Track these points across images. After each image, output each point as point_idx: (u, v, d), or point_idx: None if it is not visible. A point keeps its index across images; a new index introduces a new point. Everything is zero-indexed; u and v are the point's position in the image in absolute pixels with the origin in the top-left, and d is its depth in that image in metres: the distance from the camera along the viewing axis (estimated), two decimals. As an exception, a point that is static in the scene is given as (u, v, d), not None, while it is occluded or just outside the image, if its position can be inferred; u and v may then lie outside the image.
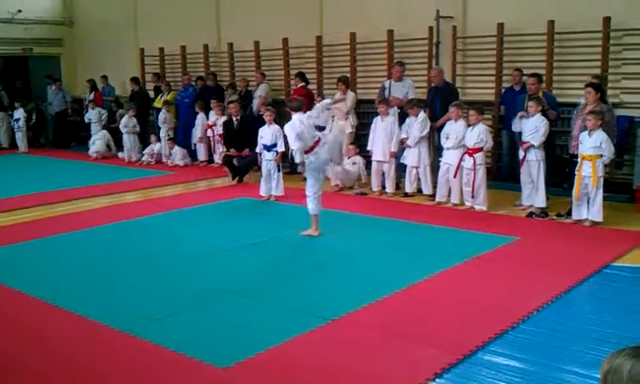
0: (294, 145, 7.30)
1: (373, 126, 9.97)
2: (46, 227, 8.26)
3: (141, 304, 5.41)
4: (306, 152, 7.36)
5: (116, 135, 14.86)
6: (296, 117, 7.42)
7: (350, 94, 11.16)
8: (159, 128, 13.83)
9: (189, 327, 4.90)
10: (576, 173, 7.68)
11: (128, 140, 13.96)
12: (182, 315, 5.15)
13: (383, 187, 9.97)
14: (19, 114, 16.09)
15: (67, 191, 10.64)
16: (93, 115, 15.34)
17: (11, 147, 16.49)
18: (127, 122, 13.89)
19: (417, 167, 9.60)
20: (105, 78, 16.53)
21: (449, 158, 8.94)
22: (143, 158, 13.77)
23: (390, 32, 11.64)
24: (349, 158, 10.58)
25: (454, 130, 8.89)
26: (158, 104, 14.36)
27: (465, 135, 8.72)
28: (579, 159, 7.70)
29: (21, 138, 16.18)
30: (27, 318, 5.18)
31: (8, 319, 5.18)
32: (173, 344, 4.50)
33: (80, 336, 4.77)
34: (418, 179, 9.72)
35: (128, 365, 4.28)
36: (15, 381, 4.13)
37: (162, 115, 13.83)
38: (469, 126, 8.77)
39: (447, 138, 8.94)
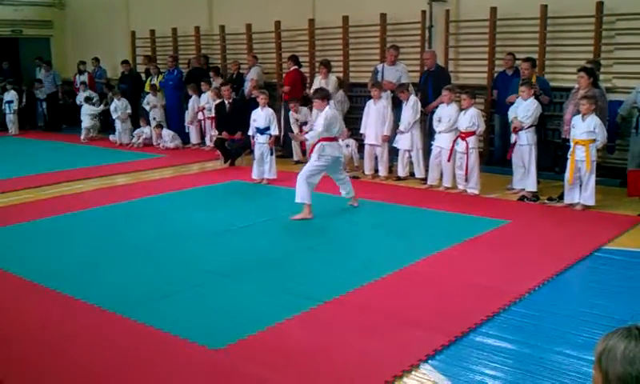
0: (321, 129, 7.54)
1: (366, 109, 9.97)
2: (37, 210, 8.21)
3: (133, 286, 5.40)
4: (323, 140, 7.54)
5: (107, 118, 14.79)
6: (328, 106, 7.69)
7: (332, 78, 11.14)
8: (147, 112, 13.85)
9: (181, 309, 4.90)
10: (569, 157, 7.70)
11: (119, 123, 13.90)
12: (174, 297, 5.14)
13: (376, 171, 9.98)
14: (11, 95, 15.94)
15: (58, 173, 10.58)
16: (84, 97, 15.24)
17: (1, 130, 16.35)
18: (117, 106, 13.82)
19: (409, 151, 9.61)
20: (96, 60, 16.42)
21: (441, 142, 8.93)
22: (133, 141, 13.72)
23: (383, 16, 11.59)
24: (342, 141, 10.57)
25: (446, 113, 8.88)
26: (147, 88, 14.29)
27: (457, 119, 8.73)
28: (571, 144, 7.71)
29: (12, 121, 16.03)
30: (17, 300, 5.16)
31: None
32: (165, 326, 4.50)
33: (72, 318, 4.76)
34: (411, 163, 9.74)
35: (120, 346, 4.28)
36: (4, 364, 4.12)
37: (147, 99, 13.82)
38: (461, 109, 8.77)
39: (439, 121, 8.93)
